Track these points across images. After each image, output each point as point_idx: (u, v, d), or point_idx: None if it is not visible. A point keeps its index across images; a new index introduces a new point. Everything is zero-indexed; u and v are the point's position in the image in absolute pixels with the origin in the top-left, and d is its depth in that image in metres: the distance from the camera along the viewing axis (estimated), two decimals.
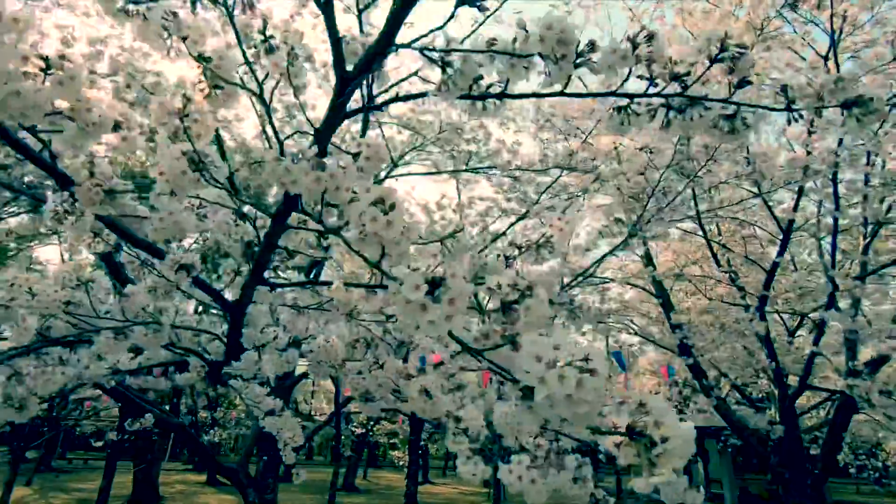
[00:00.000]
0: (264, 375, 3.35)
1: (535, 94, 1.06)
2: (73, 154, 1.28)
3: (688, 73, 1.03)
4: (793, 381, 6.73)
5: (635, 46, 0.99)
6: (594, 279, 9.12)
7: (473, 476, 1.25)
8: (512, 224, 5.91)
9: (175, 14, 1.21)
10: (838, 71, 4.09)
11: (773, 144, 6.46)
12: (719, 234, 7.49)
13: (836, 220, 4.69)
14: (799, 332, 8.07)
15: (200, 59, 1.23)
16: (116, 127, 1.15)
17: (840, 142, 4.22)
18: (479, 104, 1.14)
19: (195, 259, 1.70)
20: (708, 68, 1.03)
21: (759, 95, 4.72)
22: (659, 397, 0.72)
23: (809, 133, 4.87)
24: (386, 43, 0.93)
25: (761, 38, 4.02)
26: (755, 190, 5.26)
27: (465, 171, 4.95)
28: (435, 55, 0.96)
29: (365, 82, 1.13)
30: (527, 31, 0.88)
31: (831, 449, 6.56)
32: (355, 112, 1.07)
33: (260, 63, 1.12)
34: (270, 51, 1.16)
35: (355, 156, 1.20)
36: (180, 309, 2.37)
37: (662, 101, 1.10)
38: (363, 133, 4.68)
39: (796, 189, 5.34)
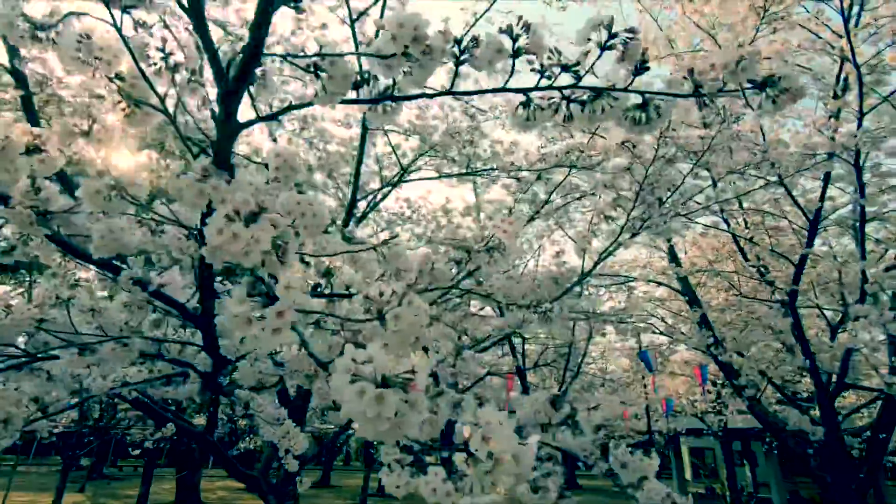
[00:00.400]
0: (268, 384, 3.38)
1: (422, 95, 1.02)
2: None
3: (577, 63, 0.97)
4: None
5: (515, 39, 0.95)
6: (618, 278, 8.91)
7: (398, 489, 1.21)
8: (523, 226, 5.83)
9: (88, 36, 1.24)
10: (852, 50, 3.85)
11: (804, 131, 6.14)
12: (746, 228, 7.17)
13: (861, 207, 4.40)
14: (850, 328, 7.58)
15: (115, 79, 1.26)
16: (31, 150, 1.18)
17: (859, 123, 3.96)
18: (380, 108, 1.12)
19: (150, 274, 1.73)
20: (599, 56, 0.98)
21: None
22: (497, 414, 0.67)
23: (832, 117, 4.61)
24: (254, 51, 0.92)
25: (766, 21, 3.82)
26: (775, 179, 5.00)
27: (466, 174, 4.91)
28: (305, 61, 0.94)
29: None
30: (385, 31, 0.86)
31: (877, 450, 6.17)
32: (248, 124, 1.06)
33: (162, 80, 1.13)
34: (174, 69, 1.17)
35: (266, 166, 1.20)
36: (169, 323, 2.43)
37: (564, 93, 1.04)
38: (362, 139, 4.71)
39: (822, 176, 5.06)
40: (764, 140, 4.57)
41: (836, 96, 4.48)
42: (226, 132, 1.05)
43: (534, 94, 1.08)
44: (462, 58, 0.98)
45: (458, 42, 0.98)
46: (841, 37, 3.87)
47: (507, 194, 6.09)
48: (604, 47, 0.96)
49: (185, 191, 0.98)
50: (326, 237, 1.61)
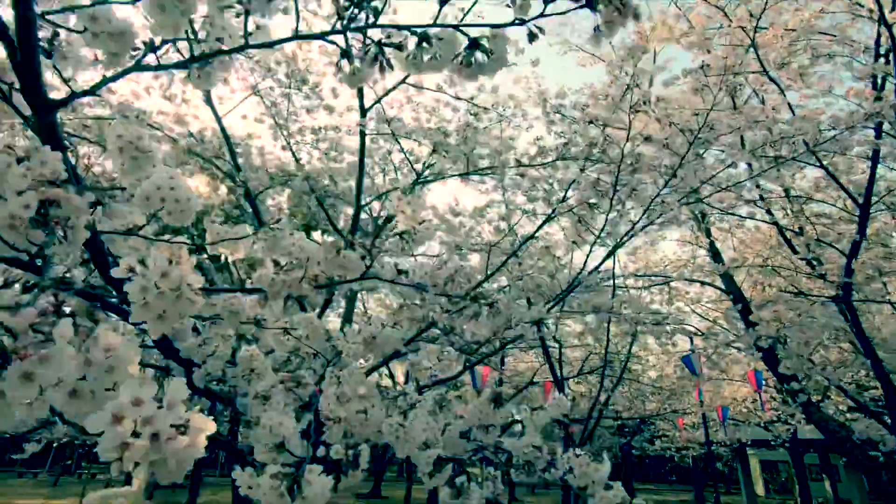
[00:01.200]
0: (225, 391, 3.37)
1: (220, 52, 0.93)
2: None
3: None
4: None
5: None
6: (655, 278, 8.42)
7: (250, 489, 1.11)
8: (540, 225, 5.61)
9: None
10: (881, 8, 3.42)
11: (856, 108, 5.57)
12: (795, 218, 6.57)
13: None
14: None
15: None
16: None
17: None
18: (196, 72, 1.04)
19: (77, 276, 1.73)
20: None
21: (789, 50, 4.10)
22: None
23: (875, 86, 4.14)
24: (24, 13, 0.87)
25: None
26: (812, 161, 4.55)
27: (468, 174, 4.78)
28: (78, 26, 0.88)
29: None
30: None
31: None
32: (63, 101, 1.01)
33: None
34: None
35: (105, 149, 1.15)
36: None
37: (369, 37, 0.93)
38: (362, 143, 4.69)
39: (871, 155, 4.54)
40: (793, 115, 4.17)
41: (878, 59, 4.02)
42: (38, 111, 1.00)
43: (352, 45, 0.97)
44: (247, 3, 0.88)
45: None
46: None
47: (519, 193, 5.90)
48: None
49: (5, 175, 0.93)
50: (220, 227, 1.55)
